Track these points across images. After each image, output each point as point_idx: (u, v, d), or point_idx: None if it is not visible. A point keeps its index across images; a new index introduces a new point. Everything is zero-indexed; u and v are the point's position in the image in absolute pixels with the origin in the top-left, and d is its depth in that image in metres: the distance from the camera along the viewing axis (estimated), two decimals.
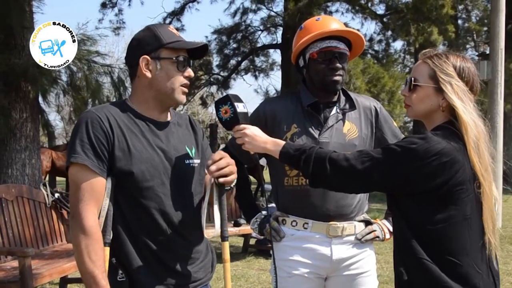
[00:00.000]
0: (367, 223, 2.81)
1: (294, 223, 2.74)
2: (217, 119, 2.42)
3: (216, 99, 2.41)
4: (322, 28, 2.72)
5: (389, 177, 2.04)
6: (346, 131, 2.74)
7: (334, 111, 2.78)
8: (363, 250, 2.76)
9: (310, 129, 2.72)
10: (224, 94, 2.23)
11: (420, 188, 2.01)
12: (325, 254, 2.70)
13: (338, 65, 2.69)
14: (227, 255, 2.24)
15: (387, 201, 2.21)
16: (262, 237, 8.50)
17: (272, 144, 2.32)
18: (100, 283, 2.01)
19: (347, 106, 2.80)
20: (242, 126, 2.35)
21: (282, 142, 2.31)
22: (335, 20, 2.84)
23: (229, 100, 2.33)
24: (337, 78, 2.70)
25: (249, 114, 2.42)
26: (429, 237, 2.02)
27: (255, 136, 2.34)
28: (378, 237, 2.77)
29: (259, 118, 2.78)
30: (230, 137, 3.05)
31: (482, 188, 2.05)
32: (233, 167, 2.21)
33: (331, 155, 2.13)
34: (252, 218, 2.91)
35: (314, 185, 2.23)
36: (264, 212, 2.93)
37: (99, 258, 2.03)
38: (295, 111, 2.77)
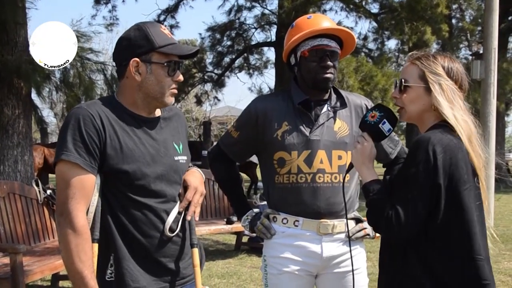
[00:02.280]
0: (358, 221, 2.82)
1: (285, 221, 2.74)
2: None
3: (378, 104, 2.32)
4: (313, 26, 2.72)
5: (427, 195, 2.02)
6: (337, 129, 2.75)
7: (325, 109, 2.78)
8: (353, 248, 2.75)
9: (301, 127, 2.72)
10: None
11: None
12: (315, 252, 2.71)
13: (329, 63, 2.70)
14: (196, 260, 2.32)
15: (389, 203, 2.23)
16: (254, 234, 8.49)
17: (367, 172, 2.22)
18: (89, 284, 2.01)
19: (338, 104, 2.80)
20: (368, 138, 2.25)
21: (374, 177, 2.20)
22: (327, 19, 2.84)
23: (386, 115, 2.25)
24: (328, 75, 2.71)
25: (390, 134, 2.32)
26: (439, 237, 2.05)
27: (364, 153, 2.23)
28: (368, 235, 2.79)
29: (250, 115, 2.79)
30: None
31: (481, 184, 2.11)
32: (201, 199, 2.35)
33: (387, 217, 2.06)
34: (243, 216, 2.91)
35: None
36: (255, 210, 2.93)
37: (89, 258, 2.03)
38: (287, 109, 2.77)
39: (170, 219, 2.21)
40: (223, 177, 3.03)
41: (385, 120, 2.24)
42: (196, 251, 2.32)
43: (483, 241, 2.09)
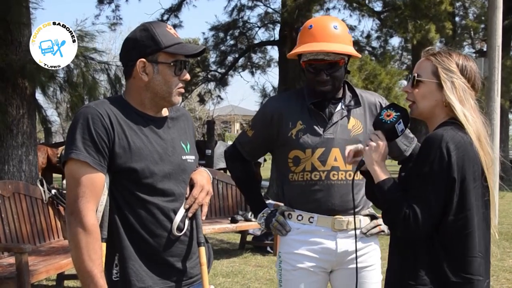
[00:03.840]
0: (373, 217, 2.83)
1: (299, 217, 2.76)
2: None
3: (392, 104, 2.28)
4: (311, 39, 2.70)
5: (442, 193, 2.02)
6: (351, 127, 2.76)
7: (339, 107, 2.79)
8: (368, 244, 2.78)
9: (314, 126, 2.74)
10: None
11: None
12: (330, 248, 2.73)
13: (325, 77, 2.69)
14: (203, 258, 2.31)
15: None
16: (259, 233, 8.52)
17: (380, 170, 2.18)
18: (99, 283, 2.01)
19: (352, 102, 2.80)
20: (382, 136, 2.22)
21: (387, 175, 2.18)
22: (326, 29, 2.75)
23: (402, 115, 2.23)
24: (324, 89, 2.71)
25: (403, 132, 2.28)
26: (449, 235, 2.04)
27: (378, 151, 2.19)
28: (383, 231, 2.79)
29: (266, 115, 2.83)
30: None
31: (489, 182, 2.11)
32: (207, 197, 2.32)
33: (404, 216, 2.05)
34: (259, 213, 2.92)
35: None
36: (271, 207, 2.95)
37: (98, 257, 2.03)
38: (301, 108, 2.78)
39: (178, 218, 2.20)
40: (240, 175, 3.05)
41: (400, 120, 2.22)
42: (203, 249, 2.31)
43: (485, 239, 2.11)
